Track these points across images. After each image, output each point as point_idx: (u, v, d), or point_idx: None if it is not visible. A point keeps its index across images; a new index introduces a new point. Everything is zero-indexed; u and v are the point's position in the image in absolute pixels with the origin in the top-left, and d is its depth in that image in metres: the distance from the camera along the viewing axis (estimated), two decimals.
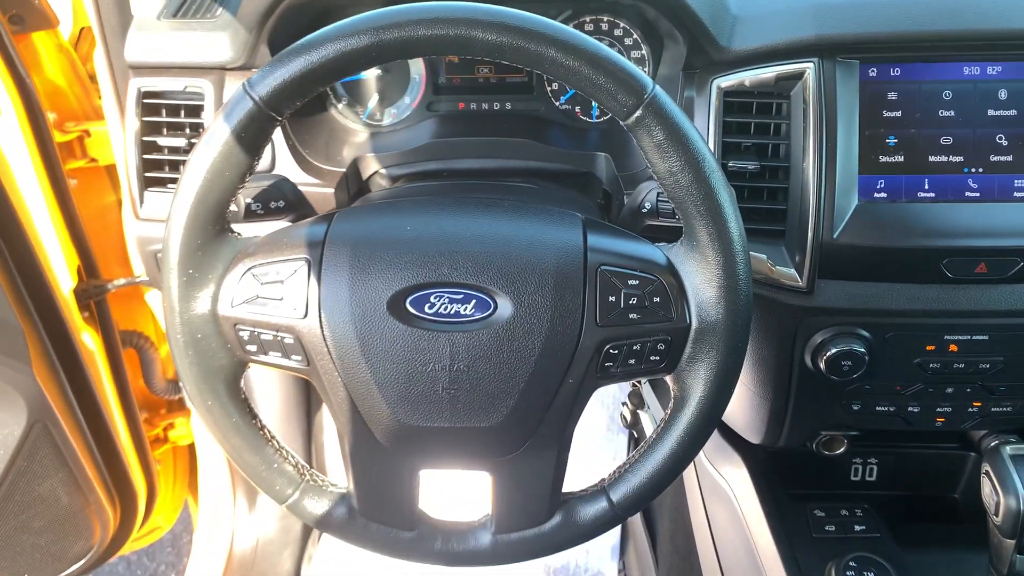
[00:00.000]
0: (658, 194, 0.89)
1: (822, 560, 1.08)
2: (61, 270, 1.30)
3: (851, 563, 1.06)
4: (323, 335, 0.75)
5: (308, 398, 1.74)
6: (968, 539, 1.10)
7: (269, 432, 0.82)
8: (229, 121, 0.71)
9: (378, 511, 0.82)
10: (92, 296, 1.36)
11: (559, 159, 1.05)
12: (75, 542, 1.46)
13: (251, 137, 0.72)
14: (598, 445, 1.92)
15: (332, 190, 1.02)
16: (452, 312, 0.75)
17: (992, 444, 0.98)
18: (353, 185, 1.06)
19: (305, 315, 0.76)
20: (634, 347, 0.75)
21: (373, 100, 1.14)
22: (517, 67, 1.11)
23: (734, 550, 1.23)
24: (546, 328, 0.74)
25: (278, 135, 1.03)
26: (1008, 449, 0.92)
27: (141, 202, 1.06)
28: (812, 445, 1.13)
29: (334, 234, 0.77)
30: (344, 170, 1.04)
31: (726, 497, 1.23)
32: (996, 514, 0.90)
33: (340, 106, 1.15)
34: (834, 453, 1.14)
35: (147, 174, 1.05)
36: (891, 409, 1.04)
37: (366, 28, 0.68)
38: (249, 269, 0.77)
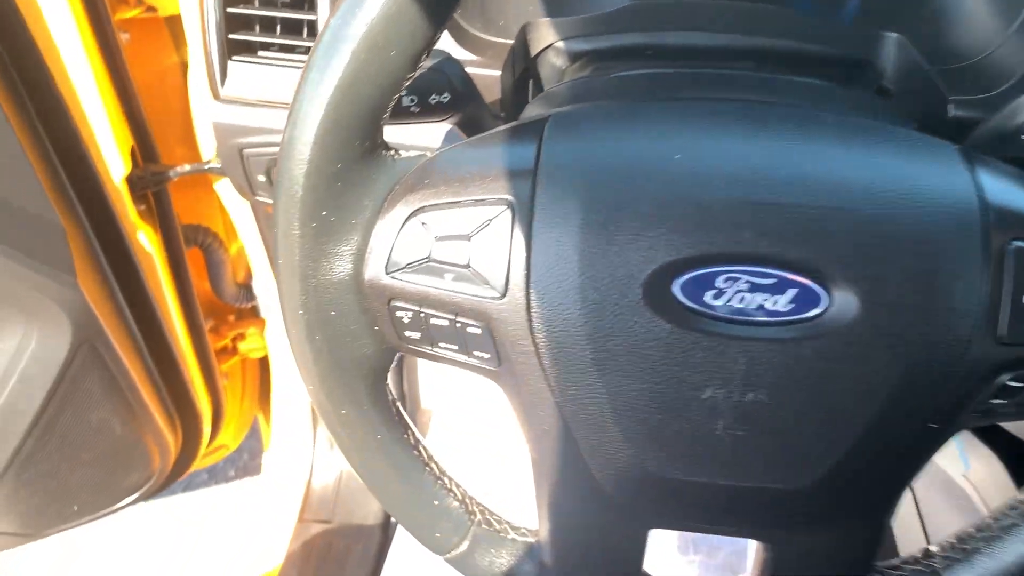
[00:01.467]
0: None
1: None
2: (111, 153, 1.01)
3: None
4: (531, 328, 0.47)
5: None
6: None
7: (426, 451, 0.55)
8: None
9: (582, 573, 0.55)
10: (149, 185, 1.09)
11: (821, 36, 0.72)
12: (131, 472, 1.25)
13: None
14: None
15: (498, 73, 0.70)
16: (753, 307, 0.45)
17: None
18: (520, 65, 0.74)
19: (503, 293, 0.47)
20: None
21: None
22: None
23: None
24: (912, 343, 0.44)
25: None
26: None
27: (223, 76, 0.75)
28: None
29: (552, 158, 0.47)
30: (512, 42, 0.72)
31: None
32: None
33: None
34: None
35: (232, 36, 0.74)
36: None
37: None
38: (416, 213, 0.47)
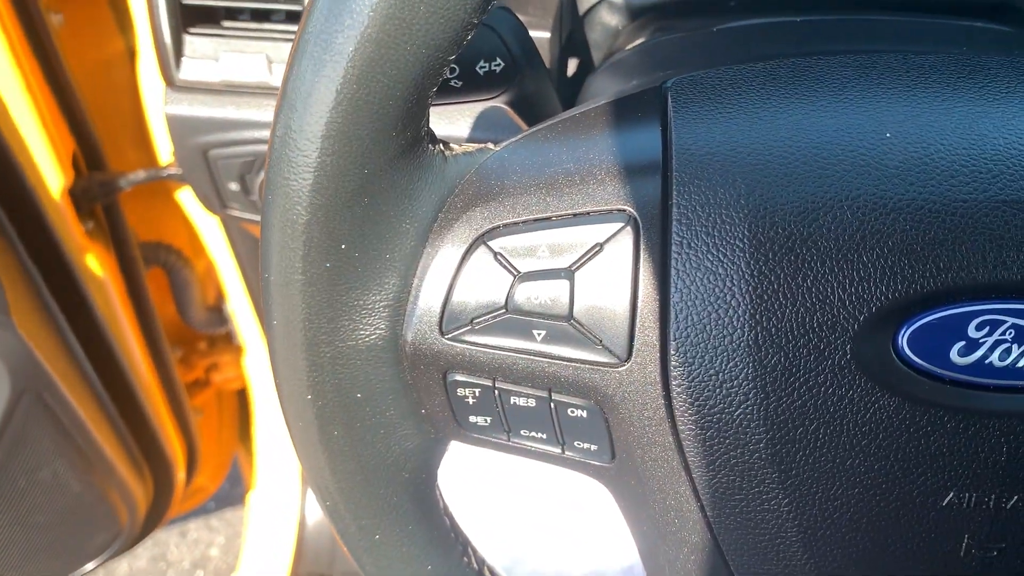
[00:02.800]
0: None
1: None
2: (46, 161, 0.85)
3: None
4: (669, 407, 0.30)
5: None
6: None
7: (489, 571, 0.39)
8: None
9: None
10: (97, 198, 0.93)
11: None
12: (95, 532, 1.10)
13: None
14: None
15: (547, 35, 0.53)
16: (1022, 364, 0.29)
17: None
18: (566, 26, 0.57)
19: (628, 356, 0.30)
20: None
21: None
22: None
23: None
24: None
25: None
26: None
27: (177, 55, 0.57)
28: None
29: (690, 145, 0.31)
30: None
31: None
32: None
33: None
34: None
35: (186, 2, 0.57)
36: None
37: None
38: (484, 238, 0.31)
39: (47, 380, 0.89)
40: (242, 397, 1.31)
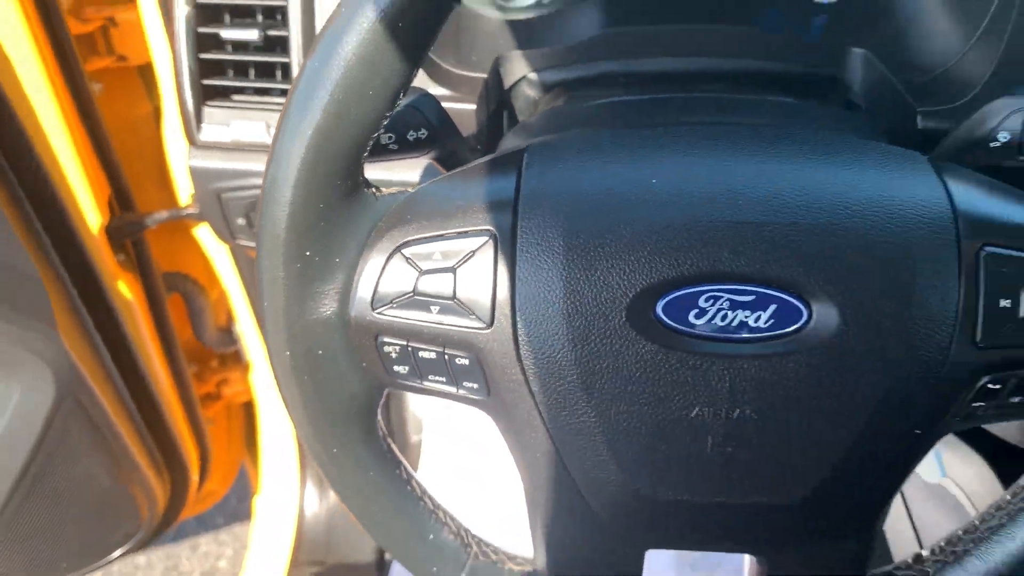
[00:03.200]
0: None
1: None
2: (88, 204, 1.01)
3: None
4: (519, 355, 0.47)
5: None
6: None
7: (419, 487, 0.55)
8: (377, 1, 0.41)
9: None
10: (128, 234, 1.08)
11: (789, 54, 0.74)
12: (120, 525, 1.23)
13: (417, 24, 0.42)
14: None
15: (474, 107, 0.71)
16: (735, 324, 0.46)
17: None
18: (493, 98, 0.75)
19: (490, 323, 0.47)
20: None
21: None
22: None
23: None
24: (893, 352, 0.45)
25: None
26: None
27: (198, 122, 0.75)
28: None
29: (532, 188, 0.48)
30: (485, 76, 0.73)
31: None
32: None
33: None
34: None
35: (205, 82, 0.75)
36: None
37: None
38: (400, 247, 0.48)
39: (85, 386, 1.04)
40: (249, 410, 1.46)
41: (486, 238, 0.47)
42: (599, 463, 0.48)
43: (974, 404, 0.47)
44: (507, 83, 0.75)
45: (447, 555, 0.55)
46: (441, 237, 0.48)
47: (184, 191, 1.10)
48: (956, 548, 0.53)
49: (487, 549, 0.56)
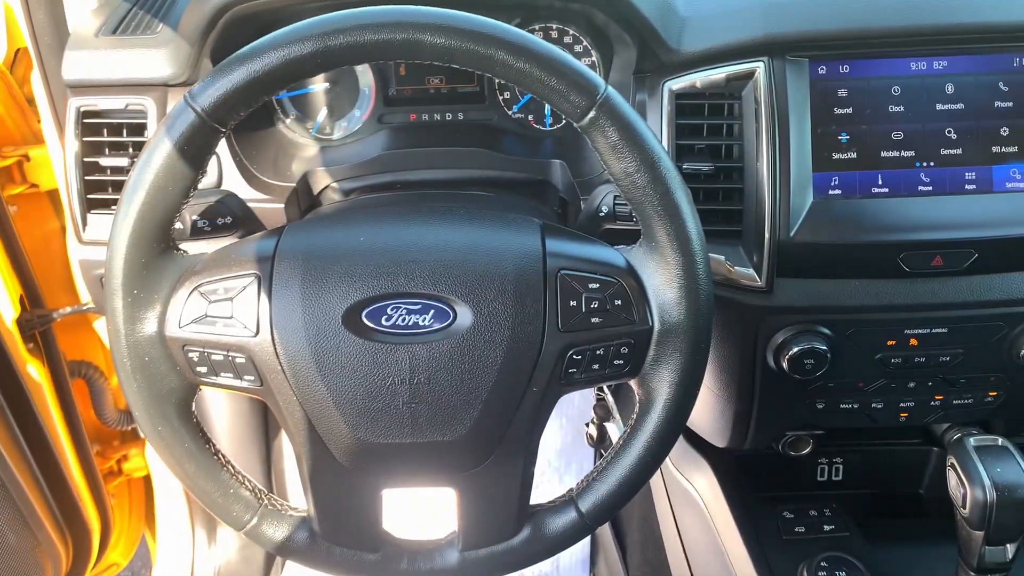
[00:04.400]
0: (615, 197, 0.88)
1: (793, 562, 1.08)
2: (2, 300, 1.25)
3: (822, 563, 1.05)
4: (276, 353, 0.73)
5: (266, 422, 1.69)
6: (936, 533, 1.10)
7: (224, 457, 0.79)
8: (171, 134, 0.69)
9: (340, 534, 0.79)
10: (37, 326, 1.32)
11: (513, 167, 1.04)
12: None
13: (195, 150, 0.69)
14: (566, 459, 1.89)
15: (282, 206, 0.99)
16: (410, 323, 0.73)
17: (955, 437, 0.98)
18: (304, 200, 1.03)
19: (256, 333, 0.73)
20: (597, 351, 0.74)
21: (322, 114, 1.12)
22: (468, 76, 1.09)
23: (705, 557, 1.22)
24: (508, 336, 0.72)
25: (224, 150, 1.00)
26: (972, 440, 0.92)
27: (84, 225, 1.02)
28: (778, 446, 1.13)
29: (284, 247, 0.75)
30: (294, 185, 1.01)
31: (694, 503, 1.22)
32: (964, 506, 0.90)
33: (288, 120, 1.12)
34: (800, 454, 1.14)
35: (89, 196, 1.02)
36: (855, 406, 1.04)
37: (311, 34, 0.66)
38: (196, 287, 0.74)
39: None
40: (148, 485, 1.65)
41: (253, 279, 0.74)
42: (334, 423, 0.74)
43: (570, 371, 0.74)
44: (315, 190, 1.04)
45: (243, 504, 0.78)
46: (224, 278, 0.74)
47: (84, 291, 1.35)
48: (591, 476, 0.80)
49: (276, 501, 0.80)
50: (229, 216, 0.85)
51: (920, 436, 1.21)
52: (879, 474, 1.25)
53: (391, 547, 0.80)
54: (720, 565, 1.15)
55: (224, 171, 1.00)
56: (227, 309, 0.73)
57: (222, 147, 1.00)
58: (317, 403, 0.73)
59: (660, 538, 1.37)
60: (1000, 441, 0.92)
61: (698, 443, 1.20)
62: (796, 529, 1.13)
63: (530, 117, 1.13)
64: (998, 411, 1.05)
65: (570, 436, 1.91)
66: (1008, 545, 0.91)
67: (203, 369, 0.75)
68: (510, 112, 1.13)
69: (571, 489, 0.81)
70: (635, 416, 0.78)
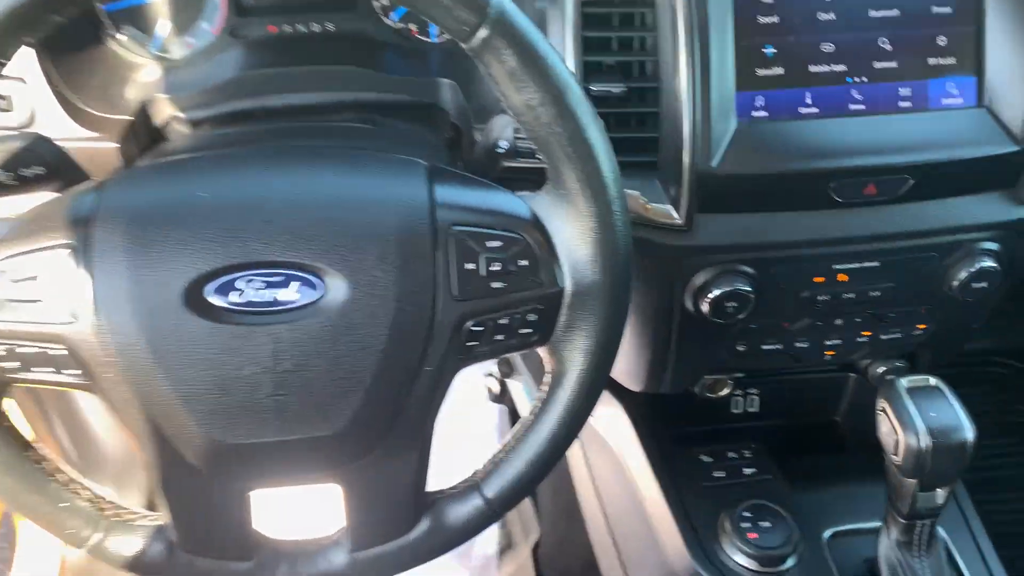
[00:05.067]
0: (515, 130, 0.75)
1: (714, 510, 1.01)
2: None
3: (744, 512, 0.99)
4: (101, 343, 0.58)
5: None
6: (858, 469, 1.06)
7: (52, 464, 0.65)
8: None
9: (203, 544, 0.67)
10: None
11: (395, 88, 0.89)
12: None
13: None
14: (468, 422, 1.78)
15: (117, 145, 0.82)
16: (269, 299, 0.59)
17: (883, 374, 0.92)
18: (144, 136, 0.86)
19: (74, 319, 0.58)
20: (500, 321, 0.62)
21: (164, 27, 0.93)
22: None
23: (621, 504, 1.15)
24: (392, 309, 0.60)
25: (38, 76, 0.81)
26: (904, 382, 0.86)
27: None
28: (695, 389, 1.05)
29: (106, 207, 0.60)
30: (131, 117, 0.84)
31: (608, 448, 1.14)
32: (896, 453, 0.84)
33: (121, 36, 0.93)
34: (718, 396, 1.06)
35: None
36: (778, 347, 0.96)
37: None
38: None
39: None
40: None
41: (66, 249, 0.58)
42: (182, 423, 0.60)
43: (468, 344, 0.63)
44: (157, 122, 0.87)
45: (80, 518, 0.65)
46: (28, 252, 0.59)
47: None
48: (496, 459, 0.69)
49: (121, 510, 0.67)
50: (40, 165, 0.68)
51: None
52: (794, 404, 1.19)
53: (266, 552, 0.69)
54: (637, 515, 1.08)
55: (37, 105, 0.81)
56: (33, 290, 0.58)
57: (34, 72, 0.81)
58: (159, 401, 0.60)
59: (572, 483, 1.30)
60: (932, 381, 0.86)
61: (611, 385, 1.11)
62: (715, 475, 1.06)
63: (412, 27, 0.98)
64: (925, 344, 0.99)
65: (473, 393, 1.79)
66: (939, 490, 0.85)
67: (13, 364, 0.60)
68: (388, 20, 0.97)
69: (476, 472, 0.70)
70: (546, 388, 0.67)
